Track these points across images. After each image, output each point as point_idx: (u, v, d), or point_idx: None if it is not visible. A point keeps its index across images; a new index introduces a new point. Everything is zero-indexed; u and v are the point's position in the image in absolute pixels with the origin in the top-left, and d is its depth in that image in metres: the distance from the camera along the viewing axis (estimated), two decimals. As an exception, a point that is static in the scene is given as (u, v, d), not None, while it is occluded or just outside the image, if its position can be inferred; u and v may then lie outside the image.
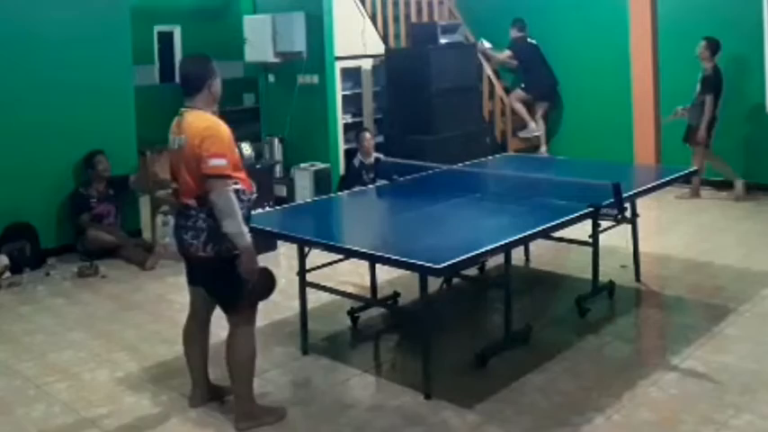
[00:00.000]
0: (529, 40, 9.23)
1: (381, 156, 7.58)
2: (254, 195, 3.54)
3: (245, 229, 3.33)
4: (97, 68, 6.82)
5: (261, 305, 5.22)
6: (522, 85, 9.29)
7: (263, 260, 6.33)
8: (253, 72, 9.26)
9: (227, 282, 3.43)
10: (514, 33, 9.21)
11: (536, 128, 9.25)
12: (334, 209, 5.36)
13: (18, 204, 6.38)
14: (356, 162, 7.21)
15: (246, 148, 6.71)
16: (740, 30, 7.78)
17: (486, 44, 9.28)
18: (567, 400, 3.77)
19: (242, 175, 3.47)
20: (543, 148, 9.31)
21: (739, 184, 7.65)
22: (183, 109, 3.51)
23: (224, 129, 3.40)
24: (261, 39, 8.39)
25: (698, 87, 7.53)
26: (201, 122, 3.38)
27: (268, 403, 3.75)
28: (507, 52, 9.29)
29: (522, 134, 9.26)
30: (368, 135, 7.27)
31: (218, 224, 3.30)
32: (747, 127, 7.94)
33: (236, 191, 3.36)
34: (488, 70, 9.18)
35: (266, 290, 3.52)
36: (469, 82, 8.44)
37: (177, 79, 3.55)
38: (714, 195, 7.93)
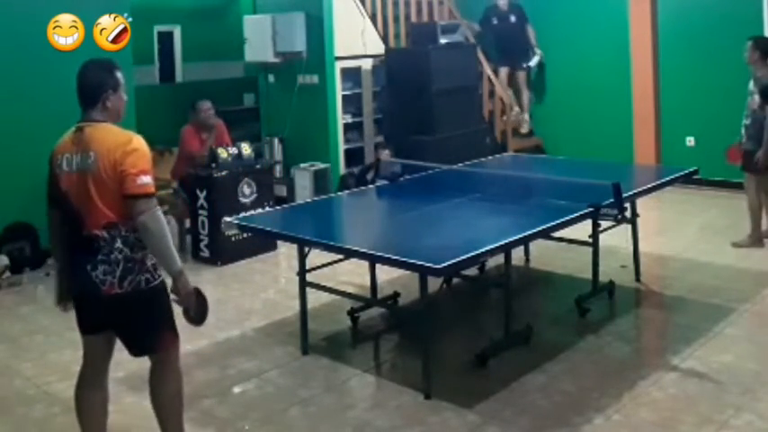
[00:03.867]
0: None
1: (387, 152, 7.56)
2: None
3: (176, 253, 2.96)
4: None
5: (259, 305, 5.27)
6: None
7: (263, 260, 6.41)
8: (253, 72, 9.26)
9: (146, 319, 3.02)
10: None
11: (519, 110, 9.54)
12: (334, 209, 5.36)
13: (18, 204, 6.37)
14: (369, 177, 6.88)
15: (246, 148, 6.72)
16: (740, 30, 7.77)
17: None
18: (567, 400, 3.77)
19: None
20: (526, 116, 9.51)
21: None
22: (80, 123, 3.03)
23: (144, 142, 2.97)
24: (261, 39, 8.39)
25: (751, 99, 6.07)
26: (118, 136, 2.93)
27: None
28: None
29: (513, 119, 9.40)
30: (387, 153, 6.89)
31: (148, 249, 2.92)
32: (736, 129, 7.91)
33: None
34: (488, 70, 9.18)
35: (204, 311, 3.11)
36: (469, 82, 8.43)
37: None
38: (714, 195, 7.93)
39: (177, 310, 3.09)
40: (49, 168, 3.09)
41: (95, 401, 3.14)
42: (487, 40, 9.44)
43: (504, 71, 9.39)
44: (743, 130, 6.17)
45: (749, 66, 6.20)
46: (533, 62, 9.30)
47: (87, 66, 3.09)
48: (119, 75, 3.07)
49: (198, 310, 3.07)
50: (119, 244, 2.92)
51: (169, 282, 3.03)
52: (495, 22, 9.34)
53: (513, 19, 9.27)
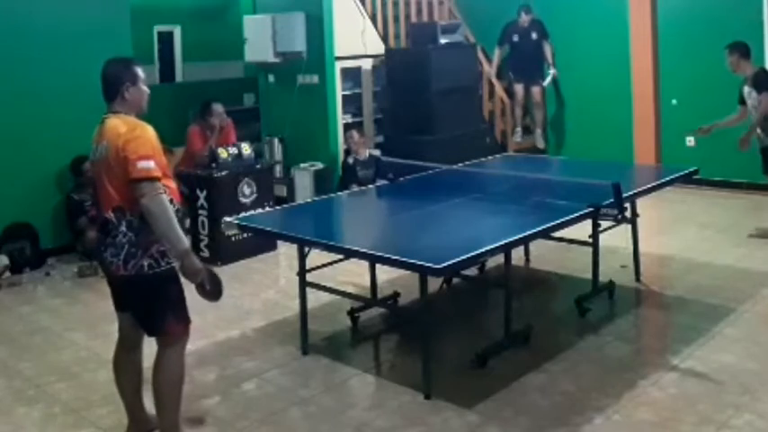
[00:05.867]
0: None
1: (379, 153, 7.60)
2: (182, 211, 3.28)
3: (182, 233, 3.12)
4: (97, 68, 6.81)
5: (259, 305, 5.27)
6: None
7: (263, 260, 6.41)
8: (253, 72, 9.26)
9: (150, 302, 3.20)
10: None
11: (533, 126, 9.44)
12: (334, 209, 5.36)
13: (18, 204, 6.38)
14: (350, 160, 7.31)
15: (246, 148, 6.72)
16: (740, 30, 7.77)
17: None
18: (567, 400, 3.77)
19: (171, 183, 3.24)
20: (538, 131, 9.39)
21: None
22: (104, 115, 3.28)
23: (149, 130, 3.15)
24: (261, 39, 8.39)
25: (750, 99, 6.21)
26: (123, 125, 3.14)
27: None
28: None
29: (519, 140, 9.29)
30: (355, 133, 7.39)
31: (154, 231, 3.07)
32: (740, 129, 7.89)
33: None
34: (488, 70, 9.17)
35: (217, 288, 3.29)
36: (469, 82, 8.43)
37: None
38: (714, 195, 7.93)
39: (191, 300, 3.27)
40: None
41: (128, 365, 3.41)
42: (509, 58, 9.31)
43: (520, 89, 9.21)
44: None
45: (736, 73, 6.28)
46: (547, 81, 9.20)
47: (107, 63, 3.37)
48: (136, 69, 3.32)
49: (213, 286, 3.27)
50: (123, 228, 3.13)
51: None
52: (515, 39, 9.12)
53: (534, 36, 9.10)
